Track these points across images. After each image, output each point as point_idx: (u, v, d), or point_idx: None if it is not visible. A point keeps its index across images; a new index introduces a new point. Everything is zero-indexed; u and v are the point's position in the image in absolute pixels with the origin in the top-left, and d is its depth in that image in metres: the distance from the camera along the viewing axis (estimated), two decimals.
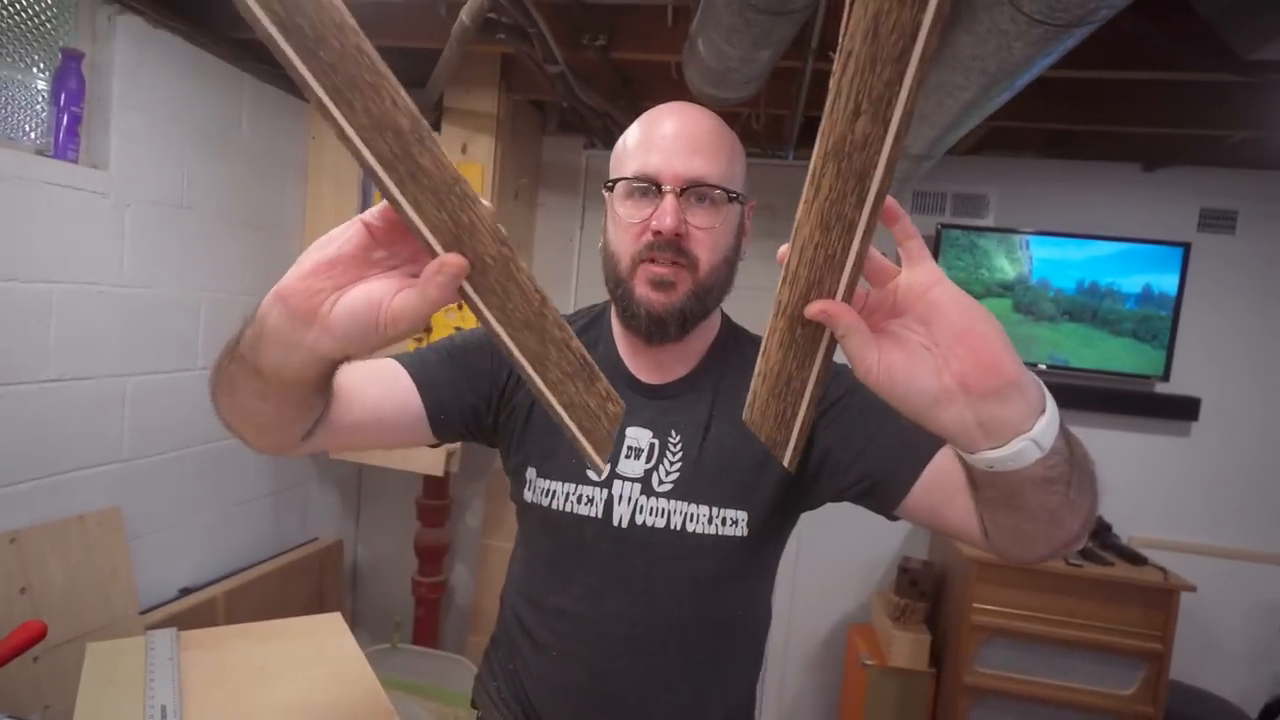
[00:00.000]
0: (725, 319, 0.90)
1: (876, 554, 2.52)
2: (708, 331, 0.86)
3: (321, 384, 0.54)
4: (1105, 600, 2.01)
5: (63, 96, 1.57)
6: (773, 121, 2.23)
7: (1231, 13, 1.31)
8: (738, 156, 0.79)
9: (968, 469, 0.51)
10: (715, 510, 0.79)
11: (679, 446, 0.82)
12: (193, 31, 1.83)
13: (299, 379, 0.50)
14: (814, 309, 0.44)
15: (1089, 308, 2.27)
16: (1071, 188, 2.35)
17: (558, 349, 0.47)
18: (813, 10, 1.24)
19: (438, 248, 0.42)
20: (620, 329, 0.87)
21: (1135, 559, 2.09)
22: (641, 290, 0.77)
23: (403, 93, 0.38)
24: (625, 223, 0.77)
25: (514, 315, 0.45)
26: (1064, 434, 0.48)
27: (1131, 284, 2.24)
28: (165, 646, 1.09)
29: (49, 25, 1.61)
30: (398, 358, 0.82)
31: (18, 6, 1.54)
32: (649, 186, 0.75)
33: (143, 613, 1.74)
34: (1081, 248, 2.27)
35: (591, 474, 0.82)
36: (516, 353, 0.47)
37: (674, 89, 1.83)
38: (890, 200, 0.43)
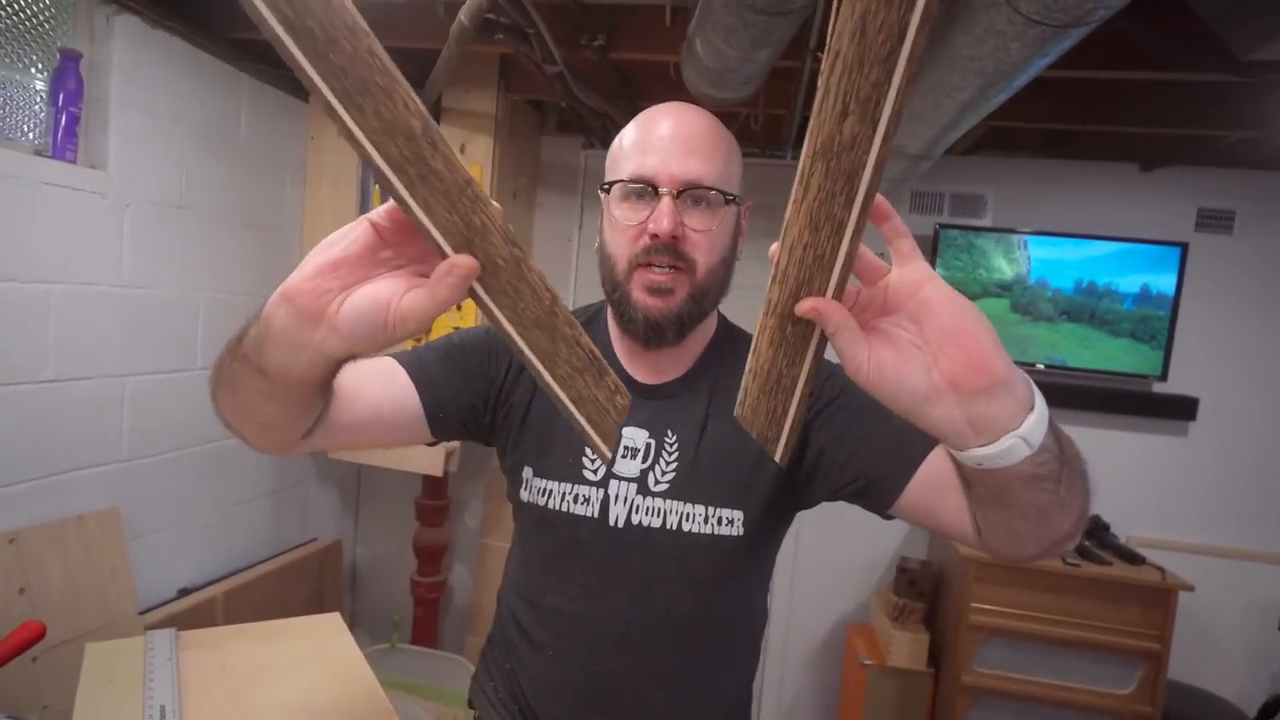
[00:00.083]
0: (722, 319, 0.90)
1: (875, 554, 2.52)
2: (704, 332, 0.86)
3: (325, 383, 0.54)
4: (1103, 600, 2.01)
5: (61, 97, 1.57)
6: (771, 121, 2.23)
7: (1229, 13, 1.31)
8: (734, 157, 0.79)
9: (959, 466, 0.51)
10: (711, 510, 0.80)
11: (675, 446, 0.82)
12: (191, 31, 1.83)
13: (304, 378, 0.50)
14: (804, 306, 0.44)
15: (1087, 308, 2.27)
16: (1069, 188, 2.36)
17: (568, 346, 0.47)
18: (811, 10, 1.24)
19: (448, 249, 0.41)
20: (617, 330, 0.87)
21: (1133, 558, 2.09)
22: (639, 295, 0.77)
23: (414, 96, 0.37)
24: (621, 225, 0.77)
25: (525, 315, 0.45)
26: (1053, 432, 0.48)
27: (1129, 284, 2.25)
28: (164, 647, 1.09)
29: (47, 25, 1.61)
30: (395, 356, 0.82)
31: (15, 7, 1.54)
32: (645, 188, 0.75)
33: (142, 613, 1.74)
34: (1079, 247, 2.27)
35: (589, 473, 0.82)
36: (527, 351, 0.47)
37: (672, 89, 1.83)
38: (880, 199, 0.43)
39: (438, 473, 2.29)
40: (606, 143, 1.81)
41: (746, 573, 0.85)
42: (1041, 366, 2.29)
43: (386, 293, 0.43)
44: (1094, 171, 2.34)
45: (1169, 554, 2.24)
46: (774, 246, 0.44)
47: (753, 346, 0.48)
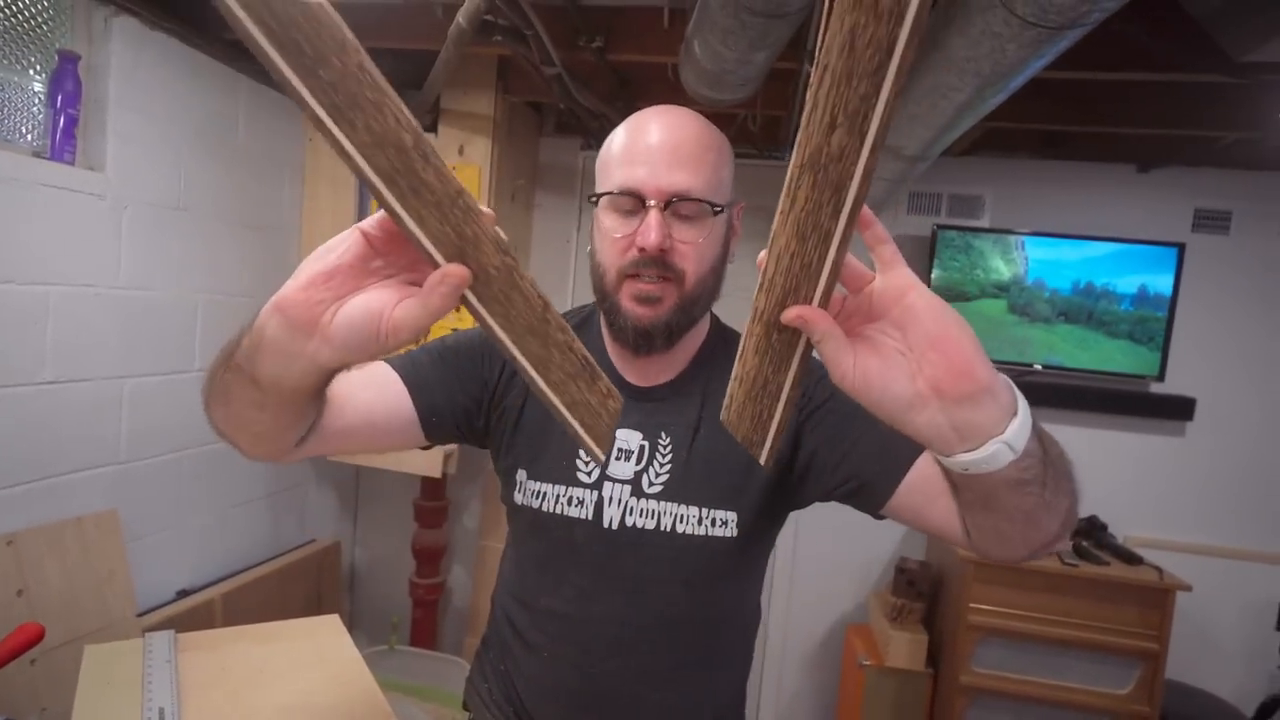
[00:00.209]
0: (715, 321, 0.90)
1: (874, 554, 2.53)
2: (697, 335, 0.86)
3: (318, 393, 0.54)
4: (1101, 600, 2.02)
5: (59, 98, 1.57)
6: (769, 123, 2.24)
7: (1224, 15, 1.32)
8: (724, 162, 0.78)
9: (946, 471, 0.52)
10: (705, 511, 0.80)
11: (668, 448, 0.82)
12: (189, 33, 1.83)
13: (297, 388, 0.50)
14: (790, 315, 0.45)
15: (1085, 309, 2.28)
16: (1066, 188, 2.36)
17: (560, 352, 0.48)
18: (808, 12, 1.24)
19: (440, 259, 0.42)
20: (609, 334, 0.87)
21: (1131, 558, 2.09)
22: (628, 305, 0.77)
23: (405, 109, 0.37)
24: (610, 236, 0.77)
25: (517, 322, 0.46)
26: (1037, 436, 0.49)
27: (1127, 284, 2.25)
28: (163, 649, 1.09)
29: (45, 27, 1.61)
30: (389, 360, 0.82)
31: (14, 9, 1.54)
32: (633, 201, 0.75)
33: (140, 615, 1.74)
34: (1077, 248, 2.27)
35: (582, 475, 0.82)
36: (520, 357, 0.47)
37: (670, 90, 1.84)
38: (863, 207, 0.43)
39: (436, 474, 2.29)
40: None
41: (740, 573, 0.86)
42: (1039, 367, 2.30)
43: (379, 303, 0.43)
44: (1091, 172, 2.34)
45: (1166, 554, 2.25)
46: (761, 255, 0.45)
47: (739, 353, 0.49)
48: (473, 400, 0.85)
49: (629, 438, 0.83)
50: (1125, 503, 2.32)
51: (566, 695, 0.84)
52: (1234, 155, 2.17)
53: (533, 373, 0.48)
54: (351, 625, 2.69)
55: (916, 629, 2.19)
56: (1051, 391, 2.33)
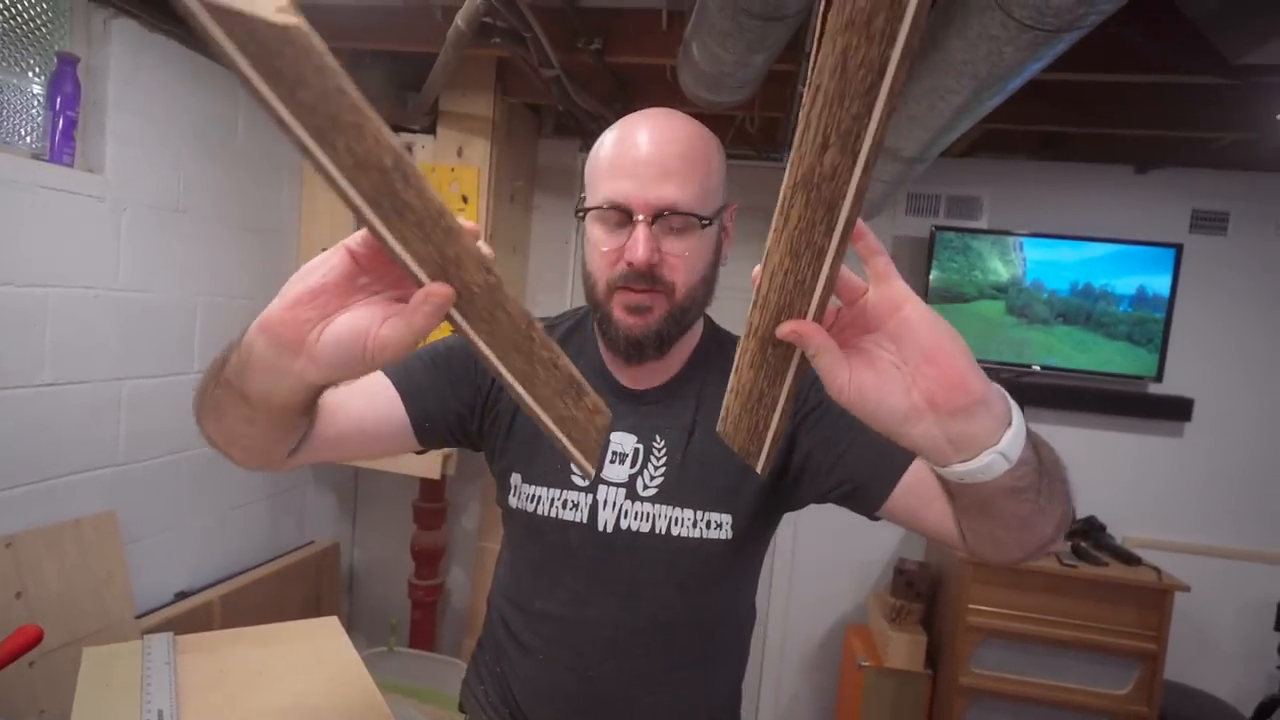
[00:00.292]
0: (708, 323, 0.89)
1: (873, 555, 2.53)
2: (690, 338, 0.85)
3: (308, 407, 0.55)
4: (1100, 600, 2.02)
5: (58, 100, 1.57)
6: (767, 124, 2.24)
7: (1219, 18, 1.32)
8: (713, 169, 0.77)
9: (941, 479, 0.52)
10: (700, 514, 0.80)
11: (663, 451, 0.82)
12: (188, 35, 1.83)
13: (286, 404, 0.50)
14: (785, 330, 0.45)
15: (1083, 310, 2.28)
16: (1064, 190, 2.37)
17: (545, 369, 0.48)
18: (806, 15, 1.24)
19: (424, 278, 0.42)
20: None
21: (1129, 559, 2.10)
22: (619, 315, 0.77)
23: (386, 130, 0.37)
24: (598, 249, 0.76)
25: (502, 339, 0.46)
26: (1031, 443, 0.49)
27: (1125, 285, 2.26)
28: (161, 651, 1.09)
29: (44, 29, 1.61)
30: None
31: (13, 11, 1.54)
32: (621, 214, 0.74)
33: (139, 617, 1.74)
34: (1075, 249, 2.28)
35: (577, 479, 0.82)
36: (505, 373, 0.48)
37: (669, 92, 1.84)
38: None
39: (435, 476, 2.29)
40: None
41: (734, 575, 0.86)
42: (1037, 368, 2.30)
43: (365, 322, 0.43)
44: (1089, 173, 2.35)
45: (1165, 554, 2.25)
46: (756, 270, 0.45)
47: (734, 367, 0.49)
48: (465, 405, 0.85)
49: (623, 441, 0.83)
50: (1124, 503, 2.33)
51: (562, 698, 0.84)
52: (1231, 156, 2.18)
53: (519, 388, 0.48)
54: (350, 627, 2.69)
55: (915, 630, 2.19)
56: (1050, 392, 2.34)
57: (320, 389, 0.50)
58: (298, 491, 2.52)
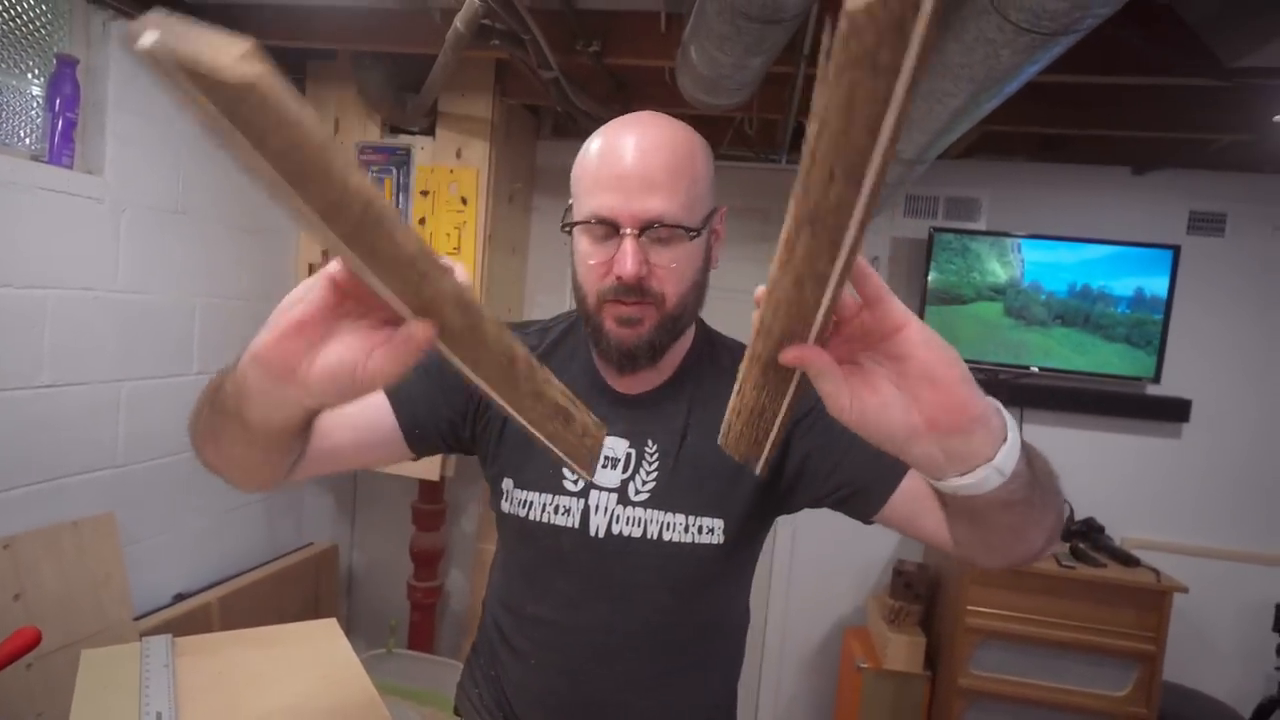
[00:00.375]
0: (701, 326, 0.89)
1: (871, 557, 2.53)
2: (682, 343, 0.85)
3: (308, 426, 0.56)
4: (1098, 602, 2.02)
5: (57, 102, 1.58)
6: (765, 126, 2.24)
7: (1215, 21, 1.33)
8: (700, 176, 0.76)
9: (936, 491, 0.53)
10: (691, 519, 0.80)
11: (655, 456, 0.82)
12: None
13: (285, 427, 0.52)
14: (788, 356, 0.45)
15: (1081, 311, 2.28)
16: (1063, 191, 2.37)
17: (532, 398, 0.49)
18: (804, 18, 1.25)
19: (408, 314, 0.43)
20: None
21: (1127, 560, 2.10)
22: (610, 327, 0.76)
23: (356, 173, 0.37)
24: (586, 262, 0.76)
25: (487, 370, 0.47)
26: (1025, 456, 0.50)
27: (1123, 287, 2.26)
28: (160, 653, 1.09)
29: (43, 31, 1.61)
30: None
31: (12, 13, 1.54)
32: (607, 227, 0.74)
33: (137, 619, 1.74)
34: (1073, 251, 2.28)
35: (569, 484, 0.83)
36: (496, 398, 0.49)
37: (667, 94, 1.84)
38: None
39: (434, 477, 2.29)
40: None
41: (727, 579, 0.86)
42: (1036, 369, 2.30)
43: (353, 353, 0.44)
44: (1087, 175, 2.35)
45: (1163, 555, 2.25)
46: (759, 291, 0.45)
47: (736, 388, 0.50)
48: (457, 412, 0.85)
49: (615, 445, 0.83)
50: (1122, 505, 2.33)
51: (555, 701, 0.84)
52: (1228, 158, 2.18)
53: (510, 410, 0.50)
54: (349, 629, 2.69)
55: (914, 631, 2.19)
56: (1048, 393, 2.34)
57: (317, 411, 0.52)
58: (296, 493, 2.52)
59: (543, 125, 2.57)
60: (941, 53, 1.19)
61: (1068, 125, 2.02)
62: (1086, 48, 1.12)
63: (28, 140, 1.60)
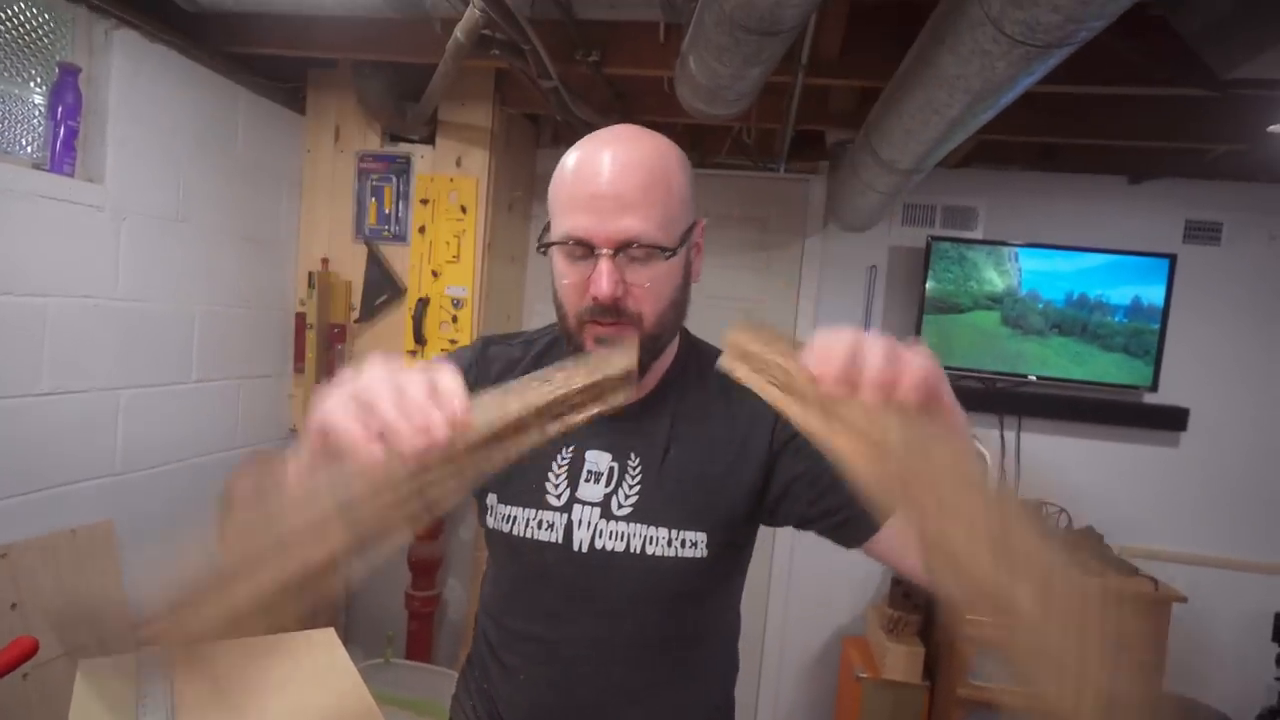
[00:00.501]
0: (685, 336, 0.88)
1: (870, 567, 2.52)
2: (665, 356, 0.85)
3: None
4: None
5: (59, 110, 1.58)
6: (764, 135, 2.25)
7: (1209, 33, 1.34)
8: (675, 191, 0.74)
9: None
10: (675, 533, 0.79)
11: (638, 469, 0.81)
12: (189, 45, 1.85)
13: None
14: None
15: (1078, 321, 2.29)
16: (1059, 200, 2.38)
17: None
18: (802, 29, 1.26)
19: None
20: None
21: (1126, 569, 2.10)
22: (590, 347, 0.75)
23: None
24: (562, 281, 0.76)
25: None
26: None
27: (1120, 296, 2.27)
28: (157, 663, 1.08)
29: (46, 40, 1.62)
30: None
31: (15, 22, 1.55)
32: (583, 247, 0.73)
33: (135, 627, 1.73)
34: (1070, 260, 2.29)
35: (552, 499, 0.82)
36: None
37: (666, 103, 1.85)
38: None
39: None
40: None
41: (713, 591, 0.85)
42: (1033, 378, 2.31)
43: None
44: (1084, 184, 2.37)
45: (1162, 564, 2.25)
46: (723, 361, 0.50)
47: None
48: None
49: (599, 459, 0.82)
50: (1120, 513, 2.33)
51: (544, 715, 0.84)
52: (1223, 167, 2.20)
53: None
54: (347, 639, 2.67)
55: (913, 641, 2.18)
56: (1045, 402, 2.34)
57: None
58: None
59: (542, 134, 2.59)
60: (937, 64, 1.20)
61: (1064, 135, 2.03)
62: (1082, 58, 1.13)
63: (29, 148, 1.61)
